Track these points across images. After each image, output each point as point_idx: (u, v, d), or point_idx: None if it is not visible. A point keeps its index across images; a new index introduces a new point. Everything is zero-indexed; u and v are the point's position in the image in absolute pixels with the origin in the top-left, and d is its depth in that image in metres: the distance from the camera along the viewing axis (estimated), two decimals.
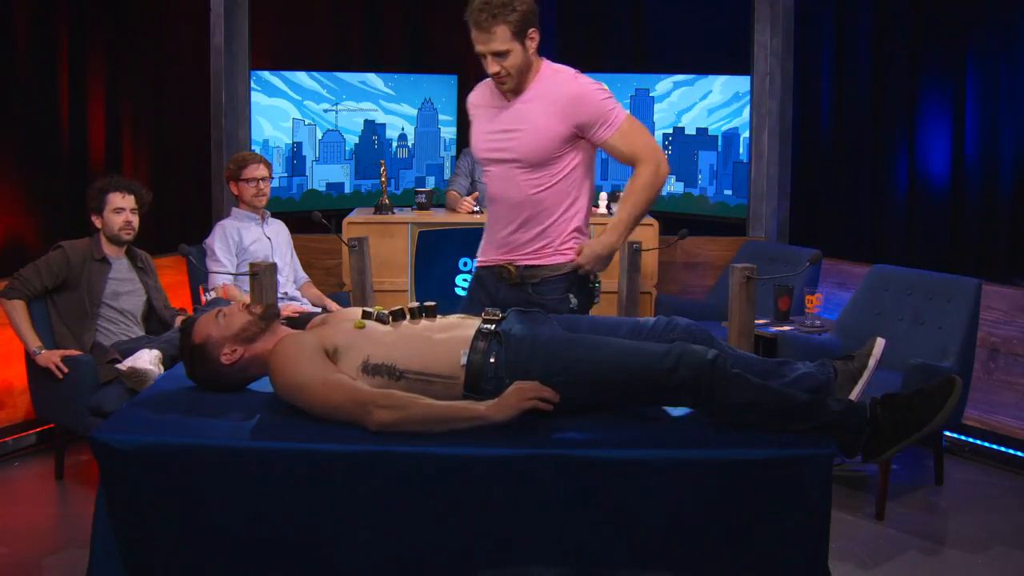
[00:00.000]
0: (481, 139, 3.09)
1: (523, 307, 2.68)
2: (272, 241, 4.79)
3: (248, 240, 4.71)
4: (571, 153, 2.99)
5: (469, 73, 2.74)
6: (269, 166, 4.80)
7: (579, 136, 2.98)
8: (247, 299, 3.59)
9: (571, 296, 3.07)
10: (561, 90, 2.96)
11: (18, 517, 3.87)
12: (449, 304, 2.96)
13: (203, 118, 5.53)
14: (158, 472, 2.22)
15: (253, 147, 5.56)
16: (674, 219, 5.68)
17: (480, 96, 3.13)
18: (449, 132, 6.20)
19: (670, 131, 5.95)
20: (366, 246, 4.19)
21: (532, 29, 2.90)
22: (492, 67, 2.91)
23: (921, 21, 5.38)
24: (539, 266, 3.04)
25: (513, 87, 2.97)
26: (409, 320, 2.56)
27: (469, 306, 3.11)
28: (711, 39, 6.29)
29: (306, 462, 2.21)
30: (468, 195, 5.43)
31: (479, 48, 2.90)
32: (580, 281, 3.08)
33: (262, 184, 4.73)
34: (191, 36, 5.54)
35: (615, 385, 2.37)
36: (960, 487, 4.24)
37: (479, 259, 3.20)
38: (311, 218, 4.58)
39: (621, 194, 3.12)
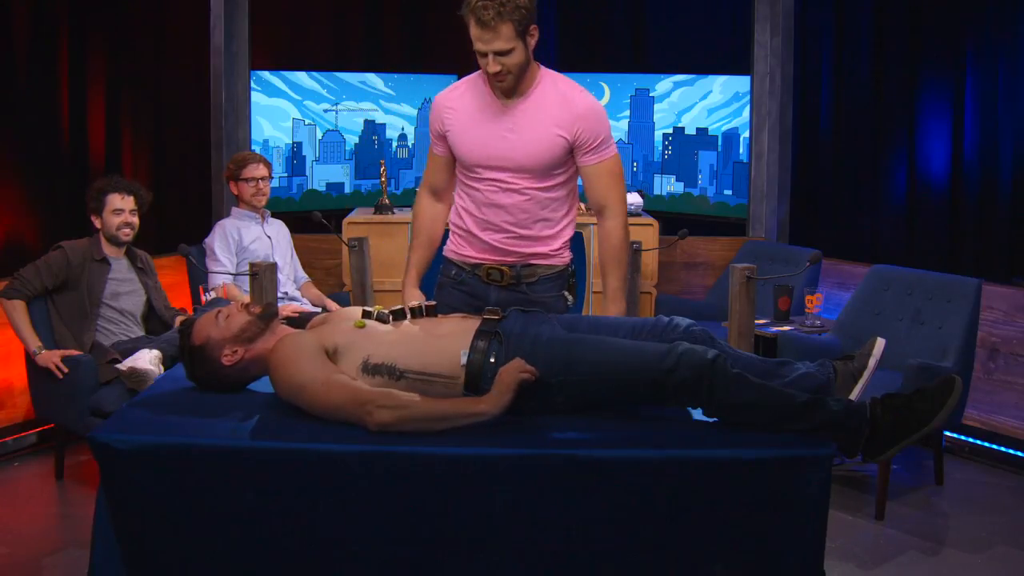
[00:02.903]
0: (477, 145, 2.91)
1: (523, 307, 2.65)
2: (272, 241, 4.79)
3: (248, 240, 4.71)
4: (570, 160, 2.93)
5: (469, 73, 2.73)
6: (269, 166, 4.81)
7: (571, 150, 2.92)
8: (247, 299, 3.59)
9: (566, 294, 3.04)
10: (569, 100, 2.88)
11: (18, 517, 3.87)
12: None
13: (203, 118, 5.53)
14: (158, 472, 2.21)
15: (253, 147, 5.56)
16: (674, 219, 5.68)
17: (460, 99, 2.95)
18: None
19: (670, 131, 5.95)
20: (366, 246, 4.20)
21: (533, 26, 2.79)
22: (493, 66, 2.77)
23: (921, 21, 5.38)
24: (535, 265, 2.99)
25: (512, 86, 2.85)
26: (409, 319, 2.56)
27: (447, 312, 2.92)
28: (711, 39, 6.28)
29: (306, 462, 2.20)
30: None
31: (480, 47, 2.75)
32: (570, 280, 3.06)
33: (261, 184, 4.74)
34: (191, 36, 5.53)
35: (615, 385, 2.37)
36: (960, 487, 4.24)
37: (459, 254, 3.05)
38: (311, 218, 4.59)
39: (602, 256, 2.99)
